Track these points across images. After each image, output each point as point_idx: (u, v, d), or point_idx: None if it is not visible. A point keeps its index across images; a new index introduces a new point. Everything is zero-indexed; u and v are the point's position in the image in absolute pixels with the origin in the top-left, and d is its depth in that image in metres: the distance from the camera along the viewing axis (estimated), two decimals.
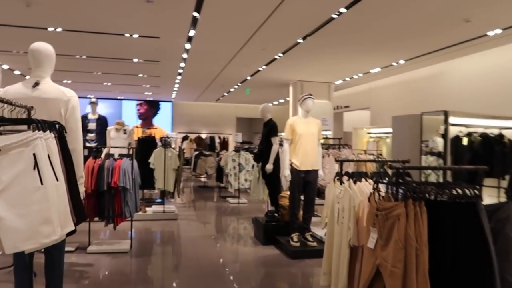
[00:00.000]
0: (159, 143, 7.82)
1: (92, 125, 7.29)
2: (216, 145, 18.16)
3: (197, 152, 13.23)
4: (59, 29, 6.94)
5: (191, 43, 7.71)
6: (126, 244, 5.03)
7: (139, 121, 18.34)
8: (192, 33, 6.99)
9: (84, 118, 7.32)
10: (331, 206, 2.84)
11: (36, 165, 1.77)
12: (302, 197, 5.13)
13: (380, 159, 6.70)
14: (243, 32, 7.05)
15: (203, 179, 13.15)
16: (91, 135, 7.28)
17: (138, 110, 18.49)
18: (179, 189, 7.62)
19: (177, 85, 13.38)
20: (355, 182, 2.75)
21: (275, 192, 5.95)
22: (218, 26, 6.74)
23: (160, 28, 6.87)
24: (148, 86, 13.85)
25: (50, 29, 6.91)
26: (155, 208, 7.04)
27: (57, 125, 2.21)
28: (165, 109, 18.75)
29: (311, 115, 5.19)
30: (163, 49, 8.28)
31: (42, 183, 1.79)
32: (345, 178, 2.84)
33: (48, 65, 2.82)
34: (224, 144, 18.66)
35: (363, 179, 2.77)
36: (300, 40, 7.37)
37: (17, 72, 11.33)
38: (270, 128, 5.91)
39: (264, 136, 6.01)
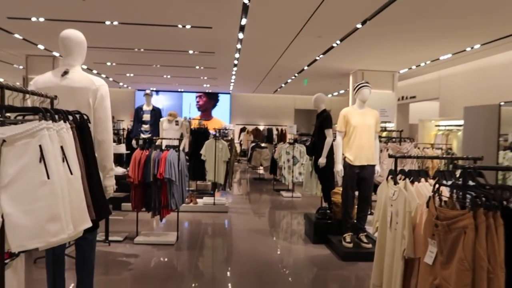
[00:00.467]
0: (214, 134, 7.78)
1: (146, 117, 7.39)
2: (273, 137, 17.94)
3: (253, 144, 13.13)
4: (115, 23, 7.07)
5: (244, 33, 7.49)
6: (173, 236, 4.98)
7: (199, 113, 18.67)
8: (244, 21, 6.75)
9: (139, 110, 7.45)
10: (383, 209, 2.45)
11: (42, 158, 1.63)
12: (357, 193, 4.72)
13: (448, 155, 6.03)
14: (297, 19, 6.67)
15: (260, 171, 13.00)
16: (145, 126, 7.38)
17: (198, 102, 18.81)
18: (231, 182, 7.49)
19: (233, 77, 13.31)
20: (412, 182, 2.33)
21: (328, 188, 5.57)
22: (270, 13, 6.43)
23: (211, 18, 6.72)
24: (205, 78, 13.94)
25: (107, 22, 7.06)
26: (206, 200, 6.98)
27: (77, 115, 2.08)
28: (224, 101, 18.89)
29: (369, 106, 4.73)
30: (217, 40, 8.16)
31: (48, 177, 1.64)
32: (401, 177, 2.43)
33: (78, 53, 2.73)
34: (282, 136, 18.38)
35: (422, 179, 2.34)
36: (359, 25, 6.82)
37: (84, 66, 11.93)
38: (324, 120, 5.52)
39: (317, 128, 5.65)
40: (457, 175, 2.32)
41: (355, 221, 4.70)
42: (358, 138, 4.49)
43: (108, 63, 11.39)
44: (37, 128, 1.65)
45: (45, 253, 2.65)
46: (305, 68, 10.97)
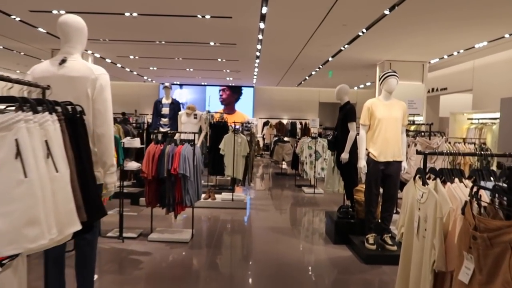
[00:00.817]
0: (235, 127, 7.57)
1: (165, 110, 7.27)
2: (297, 131, 17.62)
3: (275, 138, 12.88)
4: (135, 14, 6.95)
5: (265, 22, 7.22)
6: (188, 233, 4.82)
7: (222, 106, 18.55)
8: (264, 10, 6.48)
9: (158, 103, 7.33)
10: (409, 213, 2.17)
11: (18, 154, 1.45)
12: (382, 191, 4.42)
13: (482, 150, 5.58)
14: (320, 6, 6.34)
15: (283, 165, 12.72)
16: (164, 120, 7.26)
17: (221, 95, 18.69)
18: (250, 177, 7.28)
19: (256, 69, 13.06)
20: (444, 183, 2.04)
21: (351, 185, 5.26)
22: (291, 0, 6.14)
23: (231, 7, 6.50)
24: (228, 71, 13.76)
25: (127, 14, 6.95)
26: (224, 195, 6.81)
27: (69, 107, 1.90)
28: (247, 94, 18.68)
29: (396, 98, 4.39)
30: (237, 30, 7.93)
31: (26, 176, 1.46)
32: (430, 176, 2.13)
33: (78, 40, 2.55)
34: (306, 130, 18.02)
35: (456, 179, 2.05)
36: (386, 12, 6.42)
37: (108, 60, 11.99)
38: (347, 112, 5.21)
39: (339, 121, 5.34)
40: (499, 175, 2.01)
41: (379, 221, 4.40)
42: (383, 131, 4.17)
43: (131, 57, 11.38)
44: (12, 120, 1.47)
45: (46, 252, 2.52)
46: (330, 59, 10.59)
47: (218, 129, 7.23)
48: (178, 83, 18.07)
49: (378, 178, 4.24)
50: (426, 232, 1.95)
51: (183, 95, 18.49)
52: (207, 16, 6.98)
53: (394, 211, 4.58)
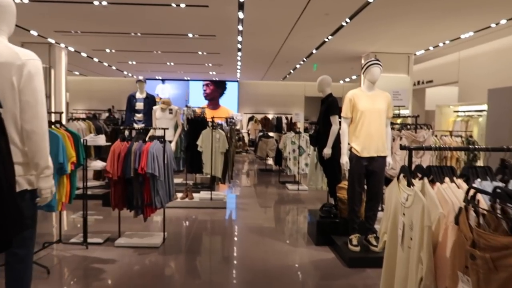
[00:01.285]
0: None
1: (139, 105, 6.87)
2: (283, 126, 17.33)
3: (260, 134, 12.57)
4: (104, 3, 6.52)
5: (244, 11, 6.87)
6: (159, 237, 4.47)
7: (206, 102, 18.14)
8: None
9: (132, 98, 6.93)
10: (393, 218, 1.87)
11: None
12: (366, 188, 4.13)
13: (469, 144, 5.36)
14: None
15: (269, 161, 12.39)
16: (138, 116, 6.87)
17: (205, 90, 18.27)
18: (231, 174, 6.95)
19: (239, 63, 12.70)
20: (432, 183, 1.74)
21: (334, 182, 4.98)
22: None
23: None
24: (210, 65, 13.36)
25: (96, 3, 6.52)
26: (203, 194, 6.46)
27: None
28: (232, 89, 18.30)
29: (379, 89, 4.10)
30: (216, 20, 7.55)
31: None
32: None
33: (2, 20, 2.17)
34: (292, 125, 17.75)
35: (447, 179, 1.75)
36: (370, 0, 6.14)
37: (84, 54, 11.49)
38: (329, 105, 4.92)
39: (322, 114, 5.05)
40: (495, 173, 1.72)
41: (363, 220, 4.12)
42: (366, 125, 3.88)
43: (107, 50, 10.90)
44: None
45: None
46: (314, 51, 10.29)
47: (196, 124, 6.87)
48: (160, 78, 17.60)
49: (361, 175, 3.95)
50: (412, 242, 1.65)
51: (165, 90, 18.03)
52: (182, 5, 6.59)
53: (380, 209, 4.31)
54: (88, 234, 4.28)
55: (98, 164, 4.43)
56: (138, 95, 6.93)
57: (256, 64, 13.03)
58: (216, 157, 6.31)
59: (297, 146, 7.99)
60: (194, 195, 6.44)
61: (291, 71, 14.30)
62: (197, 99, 17.86)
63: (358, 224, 4.06)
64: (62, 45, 10.17)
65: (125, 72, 16.01)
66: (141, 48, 10.50)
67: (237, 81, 18.07)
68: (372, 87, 4.01)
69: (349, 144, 4.01)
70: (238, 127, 17.42)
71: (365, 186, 4.13)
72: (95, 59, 12.41)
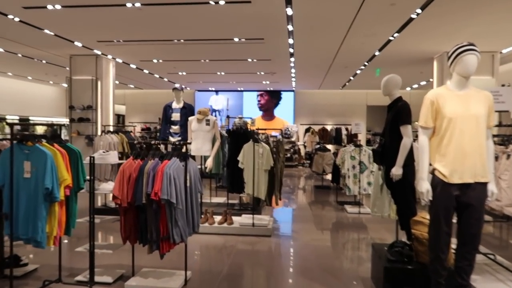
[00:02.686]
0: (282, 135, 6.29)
1: (175, 116, 6.15)
2: (342, 138, 16.03)
3: (316, 146, 11.45)
4: (137, 4, 5.94)
5: (292, 7, 5.94)
6: (180, 278, 3.59)
7: (260, 113, 17.38)
8: None
9: (168, 108, 6.24)
10: None
11: None
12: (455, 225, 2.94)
13: None
14: None
15: (328, 176, 11.14)
16: (174, 128, 6.15)
17: (259, 101, 17.52)
18: (278, 195, 5.96)
19: (293, 70, 11.74)
20: None
21: (406, 212, 3.80)
22: None
23: None
24: (263, 73, 12.56)
25: (129, 4, 5.97)
26: (244, 218, 5.52)
27: None
28: (287, 99, 17.36)
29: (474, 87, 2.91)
30: (261, 19, 6.70)
31: None
32: None
33: None
34: (352, 137, 16.38)
35: None
36: None
37: (133, 66, 11.25)
38: (399, 111, 3.78)
39: (388, 123, 3.91)
40: None
41: (452, 271, 2.91)
42: (456, 137, 2.72)
43: (155, 60, 10.53)
44: None
45: None
46: (376, 53, 9.06)
47: (238, 137, 5.99)
48: (213, 89, 17.17)
49: (450, 209, 2.78)
50: None
51: (219, 101, 17.56)
52: (221, 2, 5.82)
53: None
54: (96, 271, 3.52)
55: (109, 187, 3.68)
56: (174, 105, 6.22)
57: (312, 71, 11.98)
58: (259, 175, 5.36)
59: (358, 162, 6.80)
60: (235, 218, 5.53)
61: (351, 77, 13.06)
62: (252, 110, 17.14)
63: (445, 278, 2.87)
64: (110, 56, 9.93)
65: (177, 85, 15.72)
66: (187, 56, 9.96)
67: (292, 90, 17.12)
68: (464, 83, 2.84)
69: (430, 164, 2.86)
70: (293, 139, 16.41)
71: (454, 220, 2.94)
72: (145, 71, 12.15)
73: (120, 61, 10.44)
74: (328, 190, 9.67)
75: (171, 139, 6.12)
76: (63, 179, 2.92)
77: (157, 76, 13.22)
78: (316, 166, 9.75)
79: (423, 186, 2.82)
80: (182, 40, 8.23)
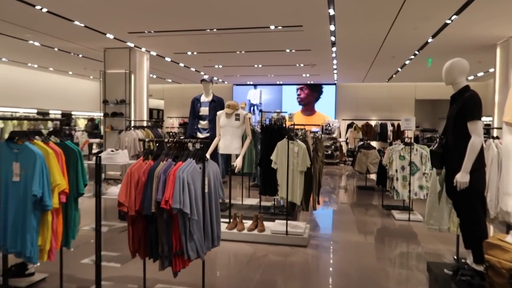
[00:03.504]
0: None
1: (204, 110, 5.67)
2: (387, 134, 14.99)
3: (359, 143, 10.64)
4: None
5: None
6: None
7: (300, 107, 16.67)
8: None
9: (196, 102, 5.77)
10: None
11: None
12: None
13: None
14: None
15: (372, 176, 10.32)
16: (203, 123, 5.67)
17: (299, 95, 16.80)
18: (315, 199, 5.32)
19: (335, 61, 10.95)
20: None
21: (472, 227, 3.08)
22: None
23: None
24: (302, 65, 11.85)
25: None
26: (277, 225, 4.93)
27: None
28: (329, 93, 16.52)
29: None
30: (300, 2, 6.04)
31: None
32: None
33: None
34: (399, 133, 15.29)
35: None
36: None
37: (168, 59, 10.94)
38: (466, 104, 3.05)
39: (452, 118, 3.18)
40: None
41: None
42: None
43: (189, 52, 10.14)
44: None
45: None
46: (429, 40, 8.11)
47: (272, 133, 5.41)
48: (251, 83, 16.65)
49: None
50: None
51: (257, 95, 17.03)
52: None
53: None
54: (104, 285, 3.09)
55: (116, 191, 3.22)
56: (203, 98, 5.74)
57: (355, 62, 11.13)
58: (293, 177, 4.75)
59: (408, 163, 6.01)
60: (267, 224, 4.97)
61: (399, 69, 12.05)
62: (291, 105, 16.48)
63: None
64: (143, 49, 9.66)
65: (205, 76, 15.31)
66: (222, 47, 9.47)
67: (334, 84, 16.24)
68: None
69: None
70: (335, 135, 15.56)
71: None
72: (181, 64, 11.83)
73: (154, 53, 10.15)
74: (372, 192, 8.87)
75: (199, 135, 5.65)
76: (55, 184, 2.49)
77: (193, 69, 12.88)
78: (359, 165, 8.96)
79: (508, 203, 2.10)
80: (215, 30, 7.74)
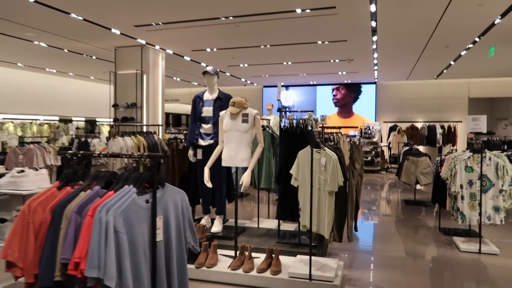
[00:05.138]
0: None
1: (207, 111, 4.47)
2: (436, 138, 13.27)
3: (405, 148, 9.11)
4: None
5: None
6: None
7: (336, 109, 15.19)
8: None
9: (197, 100, 4.58)
10: None
11: None
12: None
13: None
14: None
15: (422, 187, 8.68)
16: (206, 127, 4.47)
17: (335, 95, 15.34)
18: (352, 226, 3.98)
19: (375, 55, 9.47)
20: None
21: None
22: None
23: None
24: (337, 60, 10.45)
25: None
26: (297, 264, 3.61)
27: None
28: (368, 93, 14.93)
29: None
30: None
31: None
32: None
33: None
34: (450, 136, 13.51)
35: None
36: None
37: (187, 58, 9.93)
38: None
39: None
40: None
41: None
42: None
43: (208, 49, 9.06)
44: None
45: None
46: (497, 21, 6.51)
47: (292, 139, 4.13)
48: (282, 84, 15.36)
49: None
50: None
51: (289, 97, 15.75)
52: None
53: None
54: None
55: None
56: (206, 96, 4.55)
57: (400, 55, 9.58)
58: (319, 199, 3.44)
59: (478, 176, 4.50)
60: (285, 260, 3.68)
61: (451, 62, 10.35)
62: (327, 107, 15.07)
63: None
64: (157, 47, 8.68)
65: (242, 79, 14.28)
66: (242, 41, 8.30)
67: (374, 83, 14.65)
68: None
69: None
70: (375, 139, 13.95)
71: None
72: (202, 63, 10.79)
73: (170, 52, 9.15)
74: (423, 208, 7.32)
75: (201, 142, 4.46)
76: None
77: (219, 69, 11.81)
78: (407, 176, 7.44)
79: None
80: (231, 18, 6.56)
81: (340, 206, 3.61)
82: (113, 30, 7.23)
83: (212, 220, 4.69)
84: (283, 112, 4.54)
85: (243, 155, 3.73)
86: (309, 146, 3.51)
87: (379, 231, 5.91)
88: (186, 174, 5.21)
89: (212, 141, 4.38)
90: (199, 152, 4.46)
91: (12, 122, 11.28)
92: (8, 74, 11.62)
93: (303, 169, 3.56)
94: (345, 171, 3.49)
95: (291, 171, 3.70)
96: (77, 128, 13.36)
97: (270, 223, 5.17)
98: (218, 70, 4.66)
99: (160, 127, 8.15)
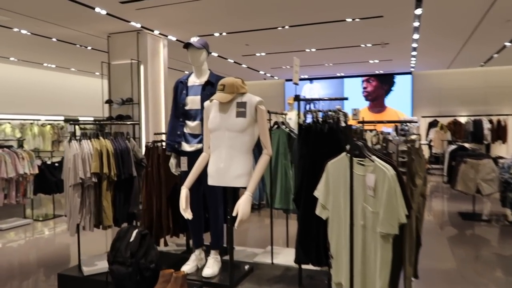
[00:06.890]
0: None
1: (193, 101, 3.11)
2: (484, 134, 11.54)
3: (453, 147, 7.56)
4: None
5: None
6: None
7: (367, 103, 13.61)
8: None
9: (180, 87, 3.23)
10: None
11: None
12: None
13: None
14: None
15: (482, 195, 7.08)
16: (192, 125, 3.10)
17: (365, 88, 13.75)
18: (411, 273, 2.54)
19: (416, 36, 7.88)
20: None
21: None
22: None
23: None
24: (369, 45, 8.91)
25: None
26: None
27: None
28: (402, 84, 13.28)
29: None
30: None
31: None
32: None
33: None
34: (500, 132, 11.71)
35: None
36: None
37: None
38: None
39: None
40: None
41: None
42: None
43: (216, 34, 7.73)
44: None
45: None
46: None
47: (316, 142, 2.72)
48: (306, 76, 13.92)
49: None
50: None
51: (314, 91, 14.27)
52: None
53: None
54: None
55: None
56: (192, 80, 3.19)
57: (447, 34, 7.95)
58: (365, 244, 2.03)
59: None
60: None
61: (506, 44, 8.62)
62: (356, 100, 13.49)
63: None
64: (156, 32, 7.41)
65: (261, 72, 12.90)
66: (257, 22, 6.92)
67: (410, 72, 12.98)
68: None
69: None
70: (414, 137, 12.29)
71: None
72: (214, 54, 9.48)
73: (173, 39, 7.88)
74: (486, 225, 5.74)
75: (186, 147, 3.11)
76: None
77: (231, 61, 10.50)
78: (464, 183, 5.88)
79: None
80: None
81: (397, 250, 2.18)
82: (97, 9, 6.00)
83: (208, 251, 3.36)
84: (301, 103, 3.11)
85: (239, 169, 2.35)
86: (344, 153, 2.10)
87: (433, 259, 4.38)
88: (178, 187, 3.89)
89: (201, 145, 3.02)
90: (184, 161, 3.11)
91: (9, 123, 10.32)
92: (1, 70, 10.67)
93: (336, 192, 2.16)
94: (408, 197, 2.05)
95: (315, 193, 2.30)
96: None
97: (290, 256, 3.75)
98: (207, 42, 3.30)
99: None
